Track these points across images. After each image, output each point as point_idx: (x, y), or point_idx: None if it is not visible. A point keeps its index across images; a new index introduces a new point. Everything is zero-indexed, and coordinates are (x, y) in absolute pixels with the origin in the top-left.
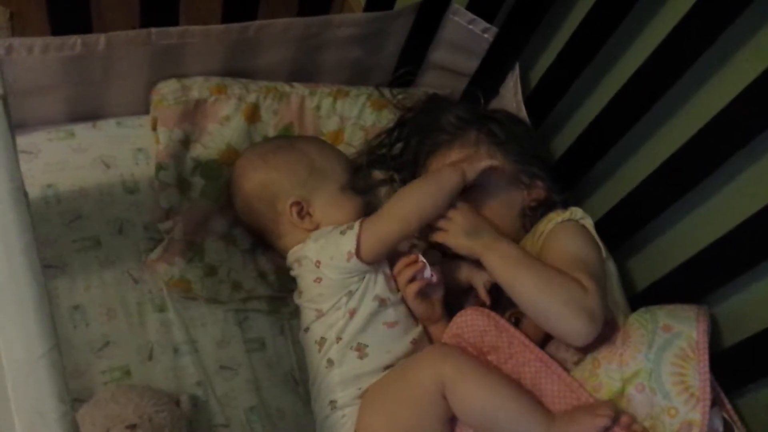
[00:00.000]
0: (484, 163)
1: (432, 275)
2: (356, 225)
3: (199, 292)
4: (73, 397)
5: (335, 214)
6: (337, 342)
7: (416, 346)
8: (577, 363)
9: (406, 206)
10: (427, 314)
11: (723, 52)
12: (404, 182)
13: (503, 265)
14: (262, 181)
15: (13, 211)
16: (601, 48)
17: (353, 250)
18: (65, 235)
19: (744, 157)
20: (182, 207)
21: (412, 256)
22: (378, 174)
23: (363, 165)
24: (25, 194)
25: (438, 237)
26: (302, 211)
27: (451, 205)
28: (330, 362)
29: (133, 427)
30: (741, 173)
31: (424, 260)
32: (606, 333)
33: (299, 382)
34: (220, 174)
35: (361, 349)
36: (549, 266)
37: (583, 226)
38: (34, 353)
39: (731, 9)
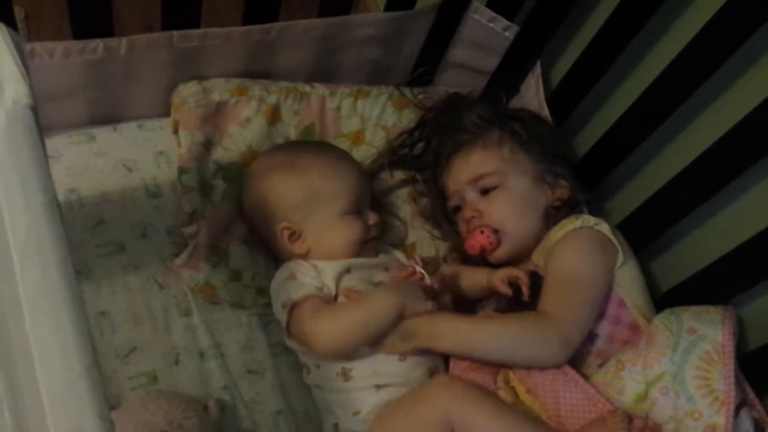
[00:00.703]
0: (425, 307)
1: (432, 282)
2: (286, 314)
3: (224, 297)
4: None
5: (326, 241)
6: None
7: (407, 360)
8: (601, 365)
9: (337, 328)
10: None
11: (750, 54)
12: (426, 183)
13: (456, 343)
14: (260, 198)
15: (48, 224)
16: (626, 46)
17: (284, 329)
18: (89, 240)
19: None
20: (205, 210)
21: (409, 268)
22: (400, 174)
23: (384, 165)
24: (59, 206)
25: (386, 350)
26: (293, 235)
27: None
28: (319, 387)
29: None
30: (766, 178)
31: (422, 270)
32: (629, 335)
33: (345, 374)
34: (241, 177)
35: (345, 374)
36: (496, 318)
37: (598, 232)
38: (73, 370)
39: (760, 11)
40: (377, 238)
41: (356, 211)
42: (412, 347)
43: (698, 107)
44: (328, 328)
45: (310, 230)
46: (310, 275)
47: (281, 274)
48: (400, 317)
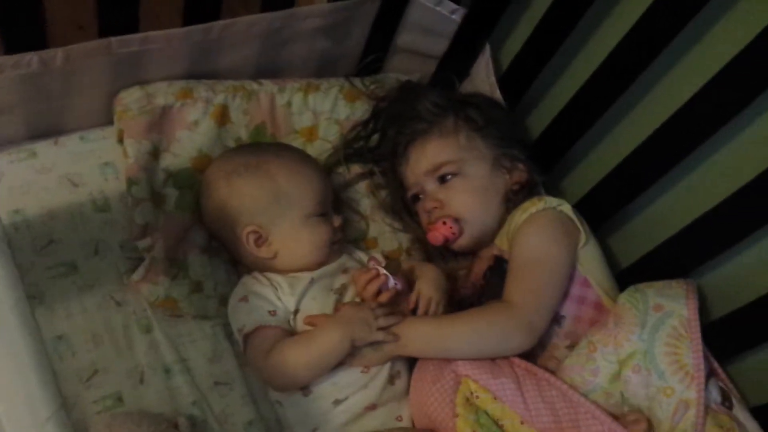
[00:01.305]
0: (375, 336)
1: (396, 283)
2: (241, 342)
3: (186, 310)
4: None
5: (294, 245)
6: None
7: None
8: (568, 347)
9: (287, 369)
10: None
11: (700, 29)
12: (384, 174)
13: (425, 346)
14: (222, 203)
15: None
16: (576, 25)
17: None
18: (39, 262)
19: (725, 134)
20: (158, 222)
21: (372, 271)
22: (357, 168)
23: (340, 160)
24: (9, 246)
25: (356, 363)
26: (260, 239)
27: None
28: (279, 403)
29: None
30: (722, 150)
31: (385, 272)
32: (595, 314)
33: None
34: (194, 182)
35: (304, 387)
36: (460, 314)
37: (560, 212)
38: (40, 417)
39: None
40: (341, 239)
41: (322, 212)
42: (383, 356)
43: (649, 85)
44: (277, 373)
45: (277, 234)
46: (265, 295)
47: (236, 293)
48: (353, 347)
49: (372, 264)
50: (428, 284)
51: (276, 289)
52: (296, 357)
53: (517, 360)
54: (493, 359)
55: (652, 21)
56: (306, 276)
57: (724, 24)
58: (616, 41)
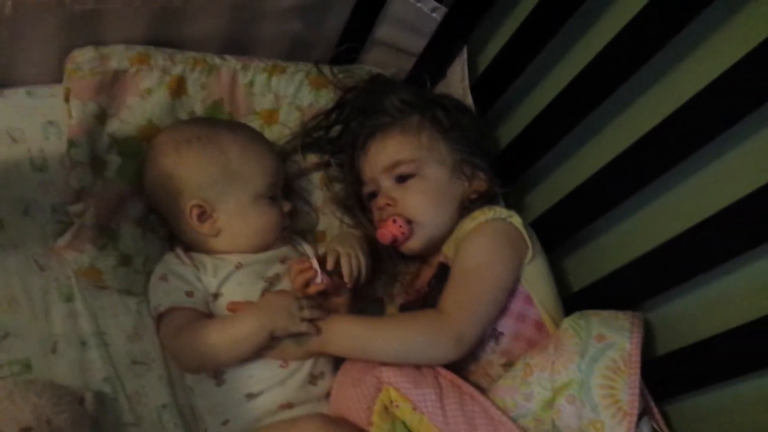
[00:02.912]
0: (298, 327)
1: (324, 279)
2: (154, 322)
3: (110, 283)
4: None
5: (240, 225)
6: None
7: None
8: (504, 366)
9: (196, 352)
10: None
11: (678, 51)
12: (340, 167)
13: (349, 347)
14: (168, 172)
15: None
16: (554, 36)
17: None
18: None
19: (687, 167)
20: (95, 188)
21: (306, 263)
22: (313, 158)
23: (297, 148)
24: None
25: (274, 356)
26: (204, 215)
27: None
28: (191, 389)
29: (28, 430)
30: (684, 182)
31: (317, 267)
32: (534, 334)
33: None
34: (139, 152)
35: (217, 377)
36: (390, 319)
37: (509, 224)
38: None
39: (689, 5)
40: (288, 226)
41: (271, 195)
42: (305, 352)
43: (619, 105)
44: (187, 352)
45: (222, 211)
46: (184, 275)
47: (156, 271)
48: (271, 337)
49: (311, 258)
50: (342, 242)
51: (197, 269)
52: (208, 338)
53: (443, 371)
54: (418, 367)
55: (630, 39)
56: (233, 259)
57: (704, 46)
58: (589, 58)
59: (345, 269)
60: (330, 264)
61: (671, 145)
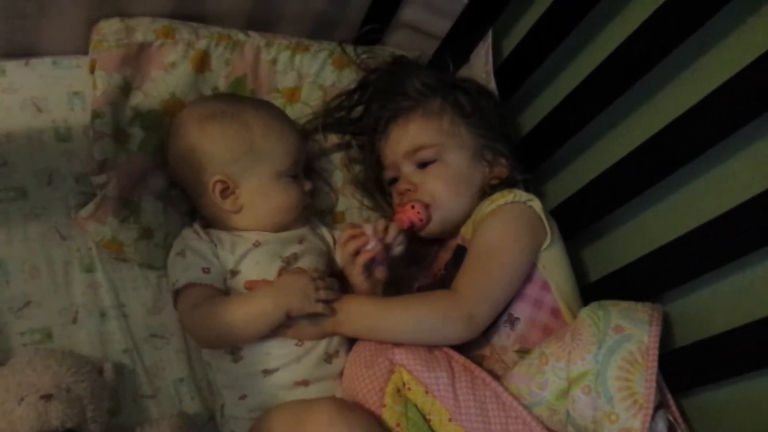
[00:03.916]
0: (314, 308)
1: (374, 247)
2: (172, 297)
3: (131, 256)
4: None
5: (262, 202)
6: None
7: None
8: (518, 353)
9: (213, 328)
10: (367, 293)
11: (704, 43)
12: (361, 149)
13: (363, 327)
14: (192, 146)
15: None
16: (579, 23)
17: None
18: None
19: (713, 157)
20: (118, 160)
21: (358, 229)
22: (334, 138)
23: (318, 127)
24: None
25: (290, 335)
26: (226, 191)
27: None
28: (208, 364)
29: (48, 397)
30: (708, 172)
31: (370, 233)
32: (550, 321)
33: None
34: (162, 125)
35: (234, 353)
36: (402, 298)
37: (529, 208)
38: None
39: None
40: (309, 206)
41: (293, 174)
42: (320, 331)
43: (643, 95)
44: (203, 328)
45: (245, 187)
46: (202, 251)
47: (174, 246)
48: (287, 316)
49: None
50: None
51: (215, 245)
52: (224, 316)
53: (456, 355)
54: (430, 350)
55: (655, 28)
56: (252, 237)
57: (729, 40)
58: (614, 46)
59: (392, 232)
60: (383, 230)
61: (693, 137)
